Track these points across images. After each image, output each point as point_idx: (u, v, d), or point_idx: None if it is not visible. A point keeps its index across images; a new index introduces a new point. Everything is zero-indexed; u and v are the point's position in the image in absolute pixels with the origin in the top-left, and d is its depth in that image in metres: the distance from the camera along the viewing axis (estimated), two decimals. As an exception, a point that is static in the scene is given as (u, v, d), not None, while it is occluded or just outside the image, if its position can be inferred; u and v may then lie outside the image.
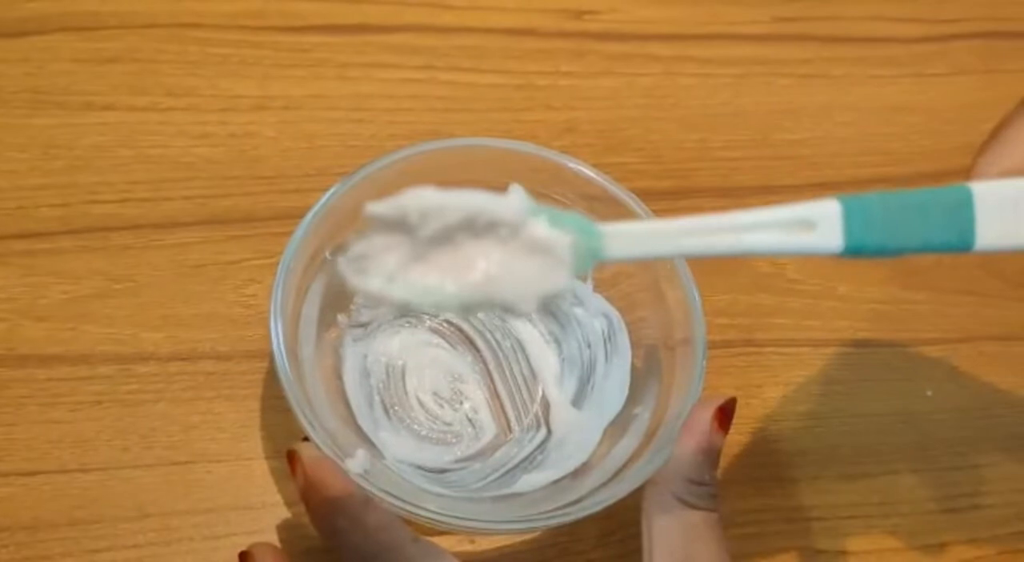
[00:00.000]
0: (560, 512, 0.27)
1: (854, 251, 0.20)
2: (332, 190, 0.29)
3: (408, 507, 0.26)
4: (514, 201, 0.20)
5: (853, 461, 0.34)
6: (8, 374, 0.31)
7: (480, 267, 0.20)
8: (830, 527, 0.33)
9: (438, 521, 0.26)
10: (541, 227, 0.20)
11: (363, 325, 0.32)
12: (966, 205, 0.21)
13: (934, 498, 0.34)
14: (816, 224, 0.20)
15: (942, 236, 0.21)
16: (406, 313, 0.32)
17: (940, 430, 0.35)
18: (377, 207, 0.20)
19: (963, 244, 0.21)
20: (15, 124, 0.35)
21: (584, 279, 0.33)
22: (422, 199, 0.20)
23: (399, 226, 0.20)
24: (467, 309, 0.20)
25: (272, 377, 0.32)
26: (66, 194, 0.34)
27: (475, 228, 0.20)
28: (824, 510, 0.33)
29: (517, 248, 0.20)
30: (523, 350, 0.33)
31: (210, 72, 0.37)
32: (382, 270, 0.20)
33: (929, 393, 0.36)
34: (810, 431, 0.35)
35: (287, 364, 0.27)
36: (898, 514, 0.34)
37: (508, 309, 0.20)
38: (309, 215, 0.29)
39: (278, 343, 0.27)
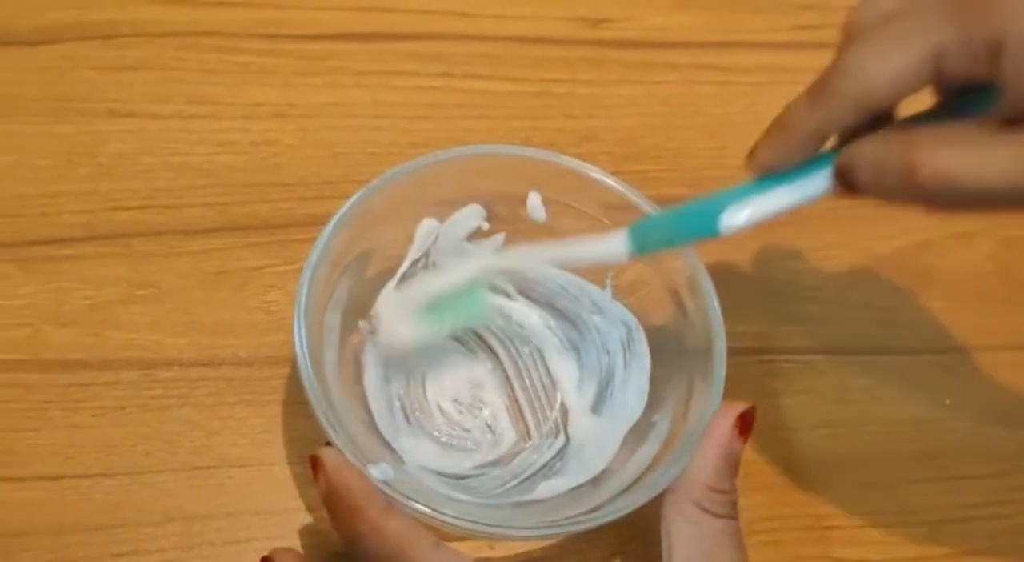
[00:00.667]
0: (580, 519, 0.27)
1: (634, 253, 0.28)
2: (356, 196, 0.30)
3: (429, 512, 0.26)
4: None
5: (870, 469, 0.34)
6: (32, 379, 0.31)
7: None
8: (848, 535, 0.33)
9: (458, 526, 0.26)
10: None
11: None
12: (712, 208, 0.27)
13: (952, 507, 0.34)
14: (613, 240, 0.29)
15: (696, 231, 0.28)
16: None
17: (957, 438, 0.35)
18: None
19: (712, 231, 0.27)
20: (38, 132, 0.35)
21: (603, 286, 0.33)
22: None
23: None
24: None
25: (293, 383, 0.32)
26: (89, 201, 0.34)
27: None
28: (841, 518, 0.33)
29: None
30: (542, 357, 0.33)
31: (230, 80, 0.37)
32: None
33: (947, 402, 0.36)
34: (827, 439, 0.35)
35: (311, 370, 0.27)
36: (916, 523, 0.34)
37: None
38: (333, 221, 0.29)
39: (302, 349, 0.27)
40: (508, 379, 0.33)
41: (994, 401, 0.36)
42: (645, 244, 0.28)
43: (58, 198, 0.34)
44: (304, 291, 0.28)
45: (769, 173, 0.26)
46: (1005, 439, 0.36)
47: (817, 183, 0.26)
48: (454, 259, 0.32)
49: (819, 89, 0.25)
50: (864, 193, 0.25)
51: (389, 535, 0.25)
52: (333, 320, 0.30)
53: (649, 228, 0.29)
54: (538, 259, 0.30)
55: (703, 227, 0.27)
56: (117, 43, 0.37)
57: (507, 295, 0.34)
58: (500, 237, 0.33)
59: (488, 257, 0.32)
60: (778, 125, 0.26)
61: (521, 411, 0.33)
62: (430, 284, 0.30)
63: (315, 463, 0.26)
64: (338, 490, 0.26)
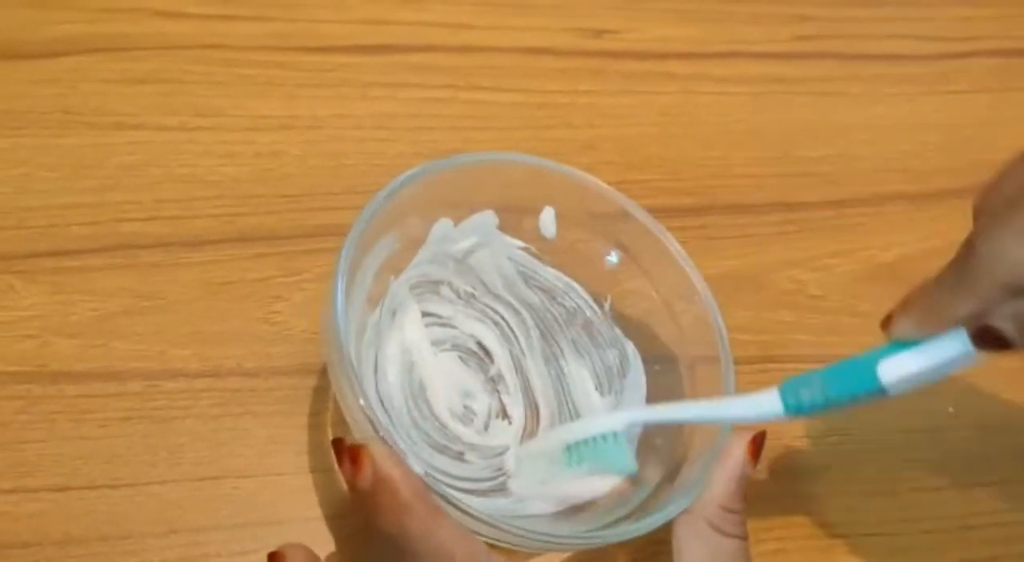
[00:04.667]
0: (597, 533, 0.27)
1: (791, 412, 0.28)
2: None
3: (469, 512, 0.25)
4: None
5: (876, 478, 0.34)
6: (39, 390, 0.31)
7: None
8: (854, 544, 0.33)
9: (483, 532, 0.26)
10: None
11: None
12: (868, 367, 0.27)
13: (956, 515, 0.34)
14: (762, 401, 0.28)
15: (855, 389, 0.28)
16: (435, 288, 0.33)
17: (962, 446, 0.35)
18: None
19: (878, 389, 0.27)
20: (46, 144, 0.35)
21: (604, 300, 0.33)
22: None
23: None
24: None
25: (297, 393, 0.32)
26: (96, 212, 0.34)
27: None
28: (847, 527, 0.33)
29: None
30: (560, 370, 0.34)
31: (237, 92, 0.38)
32: None
33: (951, 409, 0.36)
34: (833, 448, 0.35)
35: (356, 368, 0.26)
36: (921, 530, 0.34)
37: None
38: (356, 229, 0.28)
39: (344, 347, 0.26)
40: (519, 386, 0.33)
41: (996, 409, 0.36)
42: (800, 403, 0.27)
43: (65, 210, 0.34)
44: (339, 289, 0.26)
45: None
46: (1007, 447, 0.36)
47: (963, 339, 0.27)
48: (602, 410, 0.32)
49: (964, 276, 0.27)
50: (1014, 347, 0.27)
51: (442, 536, 0.24)
52: (352, 313, 0.29)
53: (802, 386, 0.28)
54: (688, 416, 0.30)
55: (863, 382, 0.27)
56: (126, 56, 0.37)
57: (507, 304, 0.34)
58: (490, 214, 0.32)
59: (635, 411, 0.32)
60: (922, 306, 0.27)
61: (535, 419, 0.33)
62: (571, 430, 0.30)
63: (356, 455, 0.25)
64: (388, 484, 0.24)
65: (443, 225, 0.32)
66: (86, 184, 0.35)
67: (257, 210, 0.35)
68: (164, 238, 0.34)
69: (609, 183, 0.32)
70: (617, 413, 0.31)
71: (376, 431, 0.25)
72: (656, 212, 0.32)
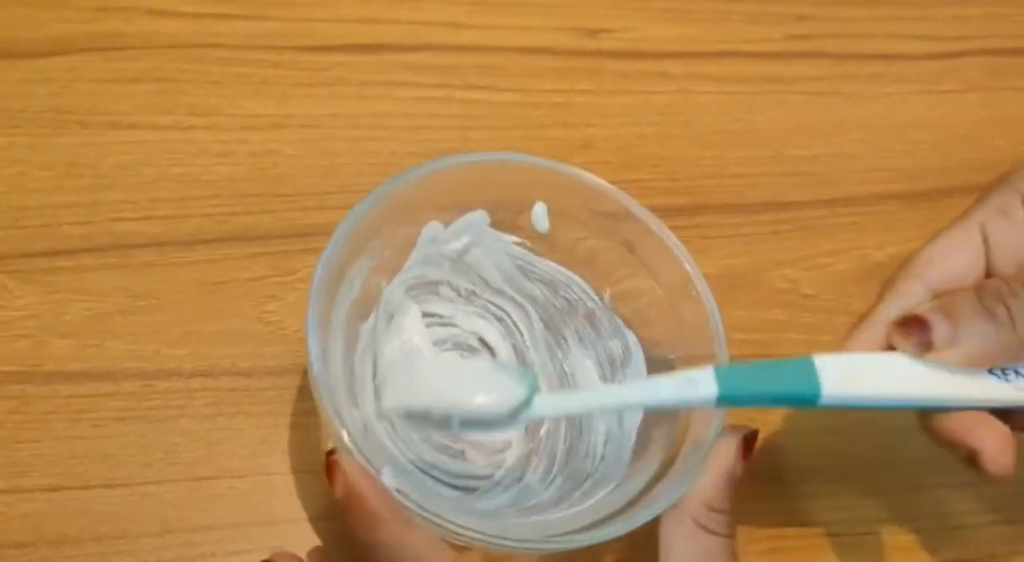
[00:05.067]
0: (583, 533, 0.27)
1: (724, 401, 0.27)
2: (358, 206, 0.29)
3: (439, 521, 0.26)
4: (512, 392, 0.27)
5: (871, 477, 0.34)
6: (33, 390, 0.31)
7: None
8: (849, 543, 0.33)
9: (461, 536, 0.26)
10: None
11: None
12: (808, 370, 0.27)
13: (953, 514, 0.34)
14: (698, 383, 0.27)
15: (791, 390, 0.27)
16: (433, 291, 0.34)
17: (955, 445, 0.36)
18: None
19: (811, 397, 0.27)
20: (40, 143, 0.35)
21: (602, 295, 0.33)
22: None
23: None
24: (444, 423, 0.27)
25: (293, 393, 0.32)
26: (90, 212, 0.34)
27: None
28: (842, 526, 0.33)
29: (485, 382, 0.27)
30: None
31: (231, 91, 0.38)
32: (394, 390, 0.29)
33: (945, 408, 0.36)
34: (828, 447, 0.35)
35: (327, 378, 0.27)
36: (917, 530, 0.34)
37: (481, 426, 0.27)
38: (341, 229, 0.29)
39: (317, 357, 0.27)
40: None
41: (991, 408, 0.37)
42: (735, 393, 0.26)
43: (59, 209, 0.34)
44: (315, 303, 0.27)
45: None
46: (1003, 445, 0.36)
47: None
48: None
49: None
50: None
51: (411, 545, 0.25)
52: (337, 324, 0.30)
53: (738, 377, 0.27)
54: (605, 401, 0.29)
55: (800, 388, 0.27)
56: (120, 55, 0.37)
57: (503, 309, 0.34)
58: (481, 213, 0.32)
59: (554, 395, 0.31)
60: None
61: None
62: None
63: (332, 468, 0.26)
64: (358, 495, 0.25)
65: (432, 228, 0.32)
66: (80, 183, 0.35)
67: (252, 209, 0.35)
68: (158, 237, 0.34)
69: (607, 182, 0.32)
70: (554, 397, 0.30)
71: (345, 443, 0.26)
72: (652, 211, 0.32)
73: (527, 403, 0.26)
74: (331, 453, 0.27)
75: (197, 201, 0.35)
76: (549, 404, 0.28)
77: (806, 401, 0.27)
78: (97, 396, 0.31)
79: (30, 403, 0.31)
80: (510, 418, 0.27)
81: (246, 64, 0.38)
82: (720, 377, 0.26)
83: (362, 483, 0.26)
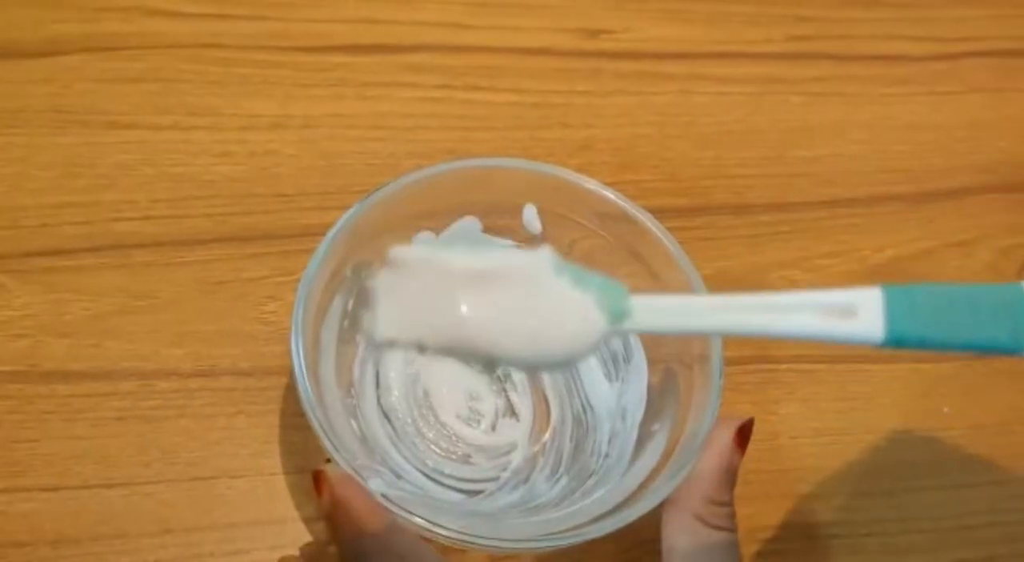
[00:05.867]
0: (579, 530, 0.27)
1: (895, 342, 0.19)
2: (353, 209, 0.30)
3: (425, 525, 0.26)
4: (539, 258, 0.20)
5: (870, 477, 0.34)
6: (32, 390, 0.31)
7: (500, 319, 0.20)
8: (848, 544, 0.33)
9: (454, 539, 0.26)
10: (564, 285, 0.20)
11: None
12: (1018, 305, 0.19)
13: (951, 515, 0.34)
14: (857, 311, 0.20)
15: (990, 334, 0.19)
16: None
17: (956, 447, 0.35)
18: (403, 251, 0.21)
19: (1014, 345, 0.19)
20: (40, 143, 0.35)
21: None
22: (448, 252, 0.20)
23: (422, 271, 0.20)
24: (486, 362, 0.20)
25: (292, 393, 0.32)
26: (89, 212, 0.34)
27: (498, 281, 0.20)
28: (842, 527, 0.33)
29: (541, 304, 0.20)
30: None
31: (231, 91, 0.38)
32: (396, 310, 0.21)
33: (946, 410, 0.36)
34: (827, 448, 0.35)
35: (308, 385, 0.27)
36: (916, 531, 0.34)
37: (530, 364, 0.21)
38: (330, 234, 0.29)
39: (300, 365, 0.27)
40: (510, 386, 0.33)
41: (992, 409, 0.37)
42: (910, 336, 0.19)
43: (58, 209, 0.34)
44: (301, 305, 0.28)
45: None
46: (1002, 447, 0.36)
47: None
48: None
49: None
50: None
51: (394, 551, 0.25)
52: (330, 332, 0.30)
53: (919, 311, 0.19)
54: (723, 323, 0.21)
55: (1005, 336, 0.19)
56: (120, 55, 0.37)
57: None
58: (472, 219, 0.31)
59: (653, 303, 0.22)
60: None
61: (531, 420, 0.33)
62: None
63: (318, 479, 0.26)
64: (342, 504, 0.26)
65: (424, 236, 0.32)
66: (80, 183, 0.35)
67: (251, 209, 0.35)
68: (158, 237, 0.34)
69: (605, 183, 0.32)
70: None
71: (332, 455, 0.26)
72: (651, 212, 0.32)
73: (613, 325, 0.20)
74: (326, 462, 0.27)
75: (197, 201, 0.35)
76: (647, 319, 0.21)
77: (1010, 351, 0.19)
78: (96, 396, 0.31)
79: (29, 403, 0.31)
80: (588, 351, 0.20)
81: (246, 64, 0.38)
82: (892, 309, 0.19)
83: (347, 492, 0.26)
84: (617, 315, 0.20)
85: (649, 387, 0.32)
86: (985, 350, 0.20)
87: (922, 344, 0.19)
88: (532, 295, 0.20)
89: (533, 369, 0.24)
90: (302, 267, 0.28)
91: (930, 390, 0.37)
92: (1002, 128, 0.43)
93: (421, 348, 0.20)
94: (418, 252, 0.21)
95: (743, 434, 0.28)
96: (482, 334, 0.20)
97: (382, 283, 0.21)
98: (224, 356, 0.32)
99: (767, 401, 0.35)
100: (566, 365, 0.22)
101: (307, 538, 0.30)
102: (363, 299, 0.22)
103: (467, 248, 0.21)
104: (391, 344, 0.20)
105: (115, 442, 0.30)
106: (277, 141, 0.37)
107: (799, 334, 0.20)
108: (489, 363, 0.21)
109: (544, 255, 0.20)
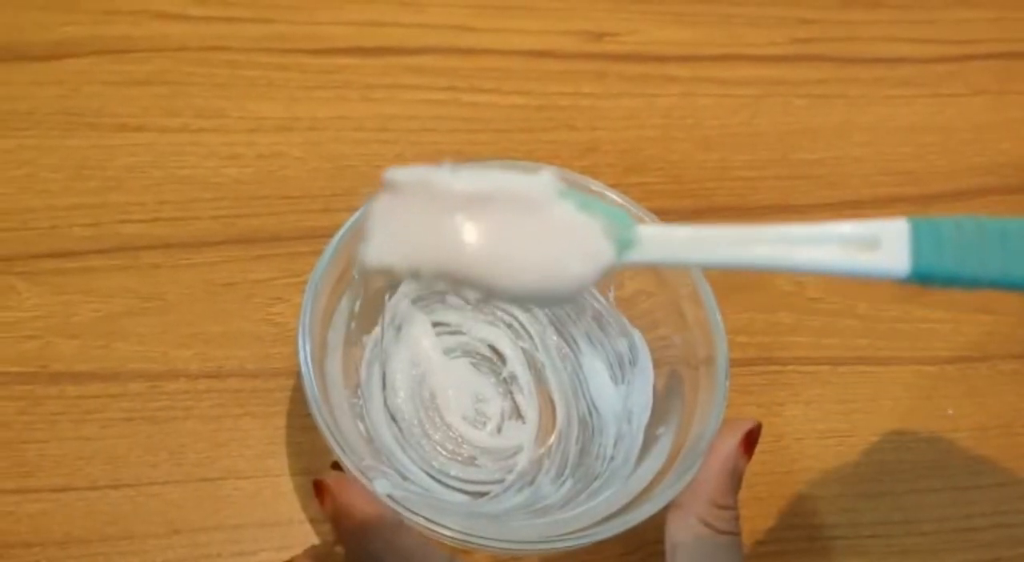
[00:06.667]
0: (584, 533, 0.28)
1: (922, 277, 0.18)
2: (360, 211, 0.30)
3: (433, 527, 0.26)
4: (541, 180, 0.19)
5: (874, 479, 0.34)
6: (41, 391, 0.31)
7: (500, 245, 0.19)
8: (852, 545, 0.33)
9: (459, 541, 0.26)
10: (568, 209, 0.19)
11: (392, 337, 0.32)
12: None
13: (955, 516, 0.34)
14: (880, 243, 0.18)
15: (1022, 271, 0.18)
16: (429, 290, 0.31)
17: (960, 448, 0.36)
18: (399, 173, 0.19)
19: None
20: (49, 145, 0.35)
21: (605, 296, 0.33)
22: (448, 173, 0.19)
23: (419, 194, 0.19)
24: (486, 292, 0.19)
25: (299, 395, 0.32)
26: (98, 214, 0.34)
27: (498, 204, 0.19)
28: (846, 528, 0.33)
29: (543, 229, 0.19)
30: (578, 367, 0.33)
31: (238, 94, 0.38)
32: (389, 236, 0.19)
33: (950, 412, 0.36)
34: (831, 449, 0.35)
35: (315, 386, 0.27)
36: (920, 532, 0.34)
37: (529, 296, 0.19)
38: (338, 235, 0.29)
39: (307, 366, 0.27)
40: (522, 390, 0.33)
41: (996, 411, 0.37)
42: (937, 263, 0.17)
43: (67, 211, 0.34)
44: (308, 307, 0.28)
45: None
46: (1007, 449, 0.36)
47: None
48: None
49: None
50: None
51: (403, 551, 0.25)
52: (336, 333, 0.30)
53: (946, 244, 0.18)
54: (743, 257, 0.19)
55: None
56: (129, 58, 0.38)
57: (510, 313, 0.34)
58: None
59: (661, 233, 0.20)
60: None
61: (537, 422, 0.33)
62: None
63: (319, 487, 0.26)
64: (346, 509, 0.25)
65: None
66: (88, 185, 0.35)
67: (258, 211, 0.35)
68: (166, 239, 0.34)
69: (609, 185, 0.32)
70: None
71: (338, 456, 0.26)
72: (656, 214, 0.32)
73: (620, 254, 0.19)
74: (332, 465, 0.27)
75: (204, 203, 0.35)
76: (655, 249, 0.19)
77: None
78: (104, 397, 0.31)
79: (38, 404, 0.31)
80: (590, 283, 0.19)
81: (253, 67, 0.38)
82: (918, 241, 0.18)
83: (349, 498, 0.26)
84: (624, 244, 0.19)
85: (655, 390, 0.32)
86: (1015, 287, 0.18)
87: (949, 280, 0.18)
88: (534, 219, 0.19)
89: (531, 302, 0.22)
90: (309, 269, 0.29)
91: (934, 392, 0.37)
92: (1005, 130, 0.43)
93: (415, 275, 0.19)
94: (416, 173, 0.20)
95: (750, 439, 0.28)
96: (480, 260, 0.18)
97: (378, 208, 0.19)
98: (231, 357, 0.32)
99: (772, 403, 0.35)
100: (566, 299, 0.20)
101: (313, 539, 0.30)
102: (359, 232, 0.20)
103: (468, 171, 0.19)
104: (386, 271, 0.19)
105: (123, 443, 0.31)
106: (283, 143, 0.37)
107: (818, 267, 0.19)
108: (486, 294, 0.19)
109: (547, 178, 0.19)
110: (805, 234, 0.19)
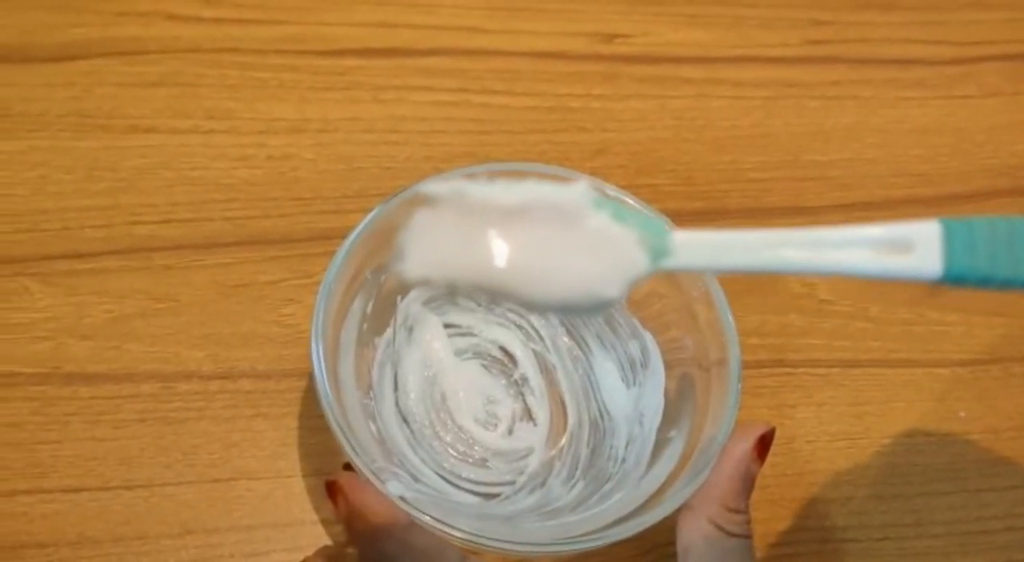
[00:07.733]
0: (596, 535, 0.28)
1: (954, 278, 0.18)
2: (374, 211, 0.30)
3: (444, 528, 0.26)
4: (577, 191, 0.19)
5: (886, 482, 0.34)
6: (54, 392, 0.31)
7: (537, 256, 0.19)
8: (864, 548, 0.33)
9: (470, 542, 0.26)
10: (604, 220, 0.19)
11: (403, 339, 0.32)
12: None
13: (967, 519, 0.34)
14: (912, 245, 0.18)
15: None
16: (452, 299, 0.32)
17: (972, 451, 0.35)
18: (436, 186, 0.20)
19: None
20: (61, 147, 0.36)
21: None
22: (484, 186, 0.19)
23: (455, 207, 0.19)
24: (524, 305, 0.19)
25: (310, 396, 0.32)
26: (110, 215, 0.35)
27: (534, 216, 0.19)
28: (857, 531, 0.33)
29: (579, 241, 0.19)
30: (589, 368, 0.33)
31: (249, 95, 0.38)
32: (427, 248, 0.19)
33: (962, 414, 0.36)
34: (842, 452, 0.35)
35: (328, 387, 0.27)
36: (932, 535, 0.34)
37: (565, 306, 0.19)
38: (351, 237, 0.29)
39: (319, 367, 0.27)
40: (535, 393, 0.33)
41: (1008, 414, 0.36)
42: (970, 265, 0.17)
43: (79, 212, 0.34)
44: (321, 308, 0.28)
45: None
46: (1019, 451, 0.36)
47: None
48: None
49: None
50: None
51: (417, 552, 0.25)
52: (349, 335, 0.30)
53: (979, 246, 0.18)
54: (777, 262, 0.20)
55: None
56: (140, 60, 0.38)
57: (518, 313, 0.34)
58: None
59: (696, 239, 0.20)
60: None
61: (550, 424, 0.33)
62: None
63: (332, 488, 0.26)
64: (360, 511, 0.26)
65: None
66: (100, 187, 0.35)
67: (270, 213, 0.36)
68: (178, 240, 0.34)
69: (621, 187, 0.32)
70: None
71: (350, 457, 0.26)
72: (667, 216, 0.32)
73: (655, 263, 0.19)
74: (344, 466, 0.27)
75: (216, 204, 0.35)
76: (689, 256, 0.20)
77: None
78: (117, 398, 0.31)
79: (51, 405, 0.31)
80: (626, 291, 0.19)
81: (263, 69, 0.39)
82: (950, 243, 0.17)
83: (363, 498, 0.26)
84: (659, 252, 0.19)
85: (666, 392, 0.32)
86: None
87: (982, 281, 0.18)
88: (570, 230, 0.19)
89: (568, 312, 0.22)
90: (320, 270, 0.29)
91: (946, 394, 0.36)
92: (1018, 132, 0.43)
93: (452, 288, 0.19)
94: (453, 186, 0.20)
95: (763, 444, 0.28)
96: (516, 274, 0.19)
97: (417, 221, 0.20)
98: (243, 358, 0.33)
99: (783, 405, 0.35)
100: (603, 307, 0.20)
101: (325, 540, 0.30)
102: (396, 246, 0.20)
103: (504, 183, 0.20)
104: (424, 283, 0.19)
105: (136, 444, 0.31)
106: (295, 145, 0.37)
107: (851, 271, 0.19)
108: (524, 306, 0.20)
109: (583, 189, 0.19)
110: (835, 237, 0.19)
